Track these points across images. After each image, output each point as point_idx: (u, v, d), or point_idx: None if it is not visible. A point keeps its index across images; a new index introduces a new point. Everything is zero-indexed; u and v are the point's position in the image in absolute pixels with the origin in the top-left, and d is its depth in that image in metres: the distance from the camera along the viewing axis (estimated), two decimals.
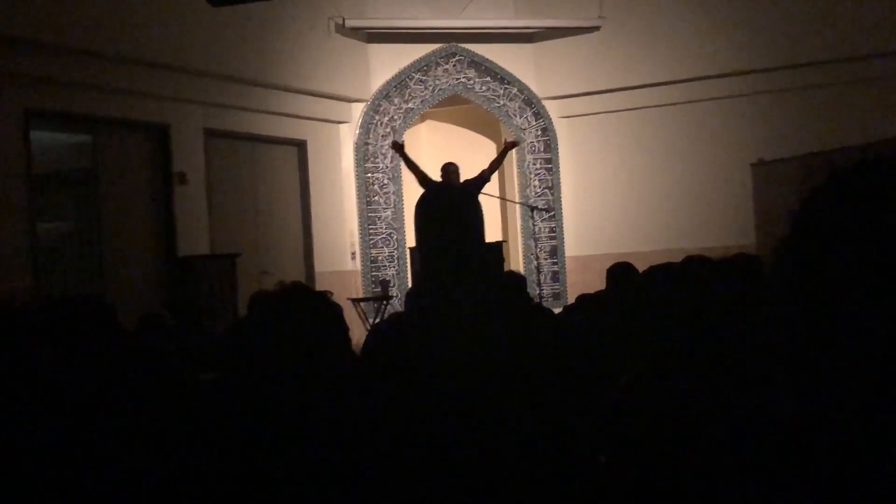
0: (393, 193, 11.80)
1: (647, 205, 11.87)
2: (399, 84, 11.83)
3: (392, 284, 11.34)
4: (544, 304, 9.54)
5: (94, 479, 2.08)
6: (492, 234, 10.67)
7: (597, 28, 11.95)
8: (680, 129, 11.78)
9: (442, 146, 12.64)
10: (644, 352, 2.18)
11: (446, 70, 12.01)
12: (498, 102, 12.18)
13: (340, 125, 11.70)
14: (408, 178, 11.85)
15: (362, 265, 11.63)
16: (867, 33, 10.68)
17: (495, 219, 12.12)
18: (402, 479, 1.89)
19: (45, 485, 2.14)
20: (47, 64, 7.98)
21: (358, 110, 11.74)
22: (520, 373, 3.19)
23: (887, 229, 0.69)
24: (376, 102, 11.75)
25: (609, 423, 2.12)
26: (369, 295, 11.21)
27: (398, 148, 9.17)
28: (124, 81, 8.73)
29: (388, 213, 11.79)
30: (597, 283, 5.84)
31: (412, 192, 10.39)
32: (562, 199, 12.28)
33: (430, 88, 11.97)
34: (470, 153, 12.49)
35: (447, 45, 11.95)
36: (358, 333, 8.63)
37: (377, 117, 11.79)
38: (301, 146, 11.17)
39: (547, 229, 12.17)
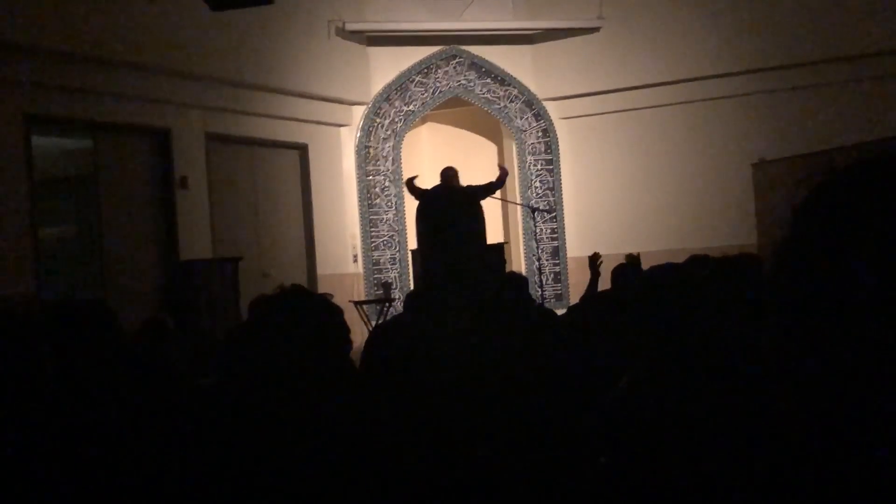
0: (394, 196, 11.80)
1: (648, 205, 11.87)
2: (399, 87, 11.84)
3: (394, 287, 11.34)
4: (546, 304, 9.54)
5: (95, 482, 2.08)
6: (493, 235, 10.66)
7: (596, 29, 11.95)
8: (680, 129, 11.78)
9: (443, 148, 12.65)
10: (644, 352, 2.18)
11: (446, 72, 12.01)
12: (498, 104, 12.18)
13: (341, 128, 11.70)
14: None
15: (364, 268, 11.63)
16: (867, 33, 10.68)
17: (497, 220, 12.12)
18: (403, 480, 1.89)
19: (47, 487, 2.14)
20: (48, 69, 7.99)
21: (359, 113, 11.74)
22: (521, 374, 3.18)
23: (887, 228, 0.69)
24: (377, 105, 11.76)
25: (609, 424, 2.11)
26: (371, 297, 11.21)
27: (409, 185, 9.19)
28: (125, 86, 8.73)
29: (390, 215, 11.79)
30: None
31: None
32: (563, 200, 12.28)
33: (431, 91, 11.98)
34: (471, 155, 12.50)
35: (447, 47, 11.95)
36: (360, 336, 8.63)
37: (378, 120, 11.80)
38: (302, 149, 11.17)
39: (548, 230, 12.17)
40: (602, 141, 12.22)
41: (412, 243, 10.55)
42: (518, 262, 12.03)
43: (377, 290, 11.34)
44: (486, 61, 12.08)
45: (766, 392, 1.68)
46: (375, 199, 11.75)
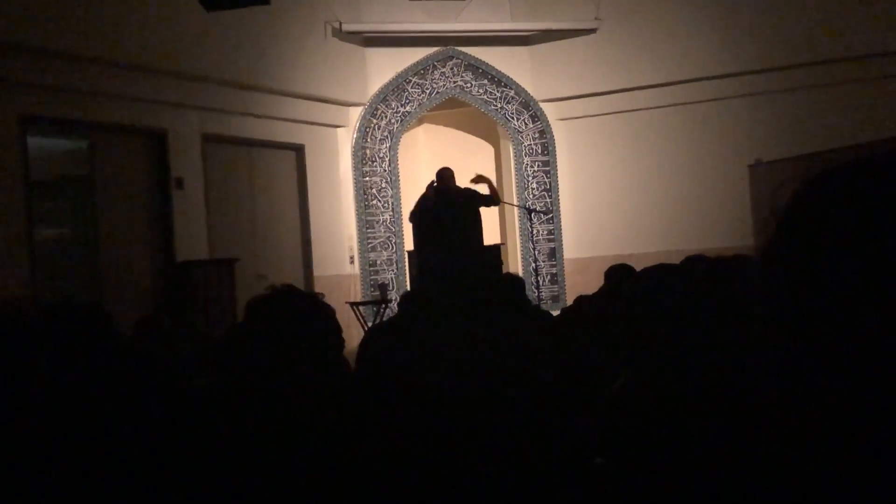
0: (391, 197, 11.80)
1: (644, 206, 11.88)
2: (396, 87, 11.84)
3: (391, 288, 11.34)
4: (543, 306, 9.54)
5: (88, 485, 2.08)
6: (490, 236, 10.67)
7: (593, 30, 11.96)
8: (678, 130, 11.79)
9: (439, 149, 12.65)
10: (640, 353, 2.18)
11: (443, 73, 12.02)
12: (495, 105, 12.19)
13: (338, 129, 11.70)
14: (406, 182, 11.87)
15: (361, 269, 11.63)
16: (866, 33, 10.69)
17: (493, 221, 12.12)
18: (397, 481, 1.89)
19: (41, 488, 2.13)
20: (44, 69, 7.98)
21: (355, 114, 11.74)
22: (516, 375, 3.18)
23: (878, 227, 0.69)
24: (374, 106, 11.76)
25: (605, 425, 2.11)
26: (368, 299, 11.21)
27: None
28: (121, 87, 8.72)
29: (387, 216, 11.79)
30: (595, 285, 5.82)
31: (410, 195, 10.40)
32: (560, 202, 12.29)
33: (428, 92, 11.98)
34: (467, 156, 12.51)
35: (444, 48, 11.96)
36: (356, 337, 8.63)
37: (375, 121, 11.80)
38: (299, 150, 11.17)
39: (545, 231, 12.18)
40: (599, 142, 12.23)
41: (409, 244, 10.55)
42: (515, 263, 12.04)
43: (374, 292, 11.34)
44: (483, 62, 12.09)
45: (760, 393, 1.68)
46: (372, 201, 11.75)
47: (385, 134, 11.82)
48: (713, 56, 11.42)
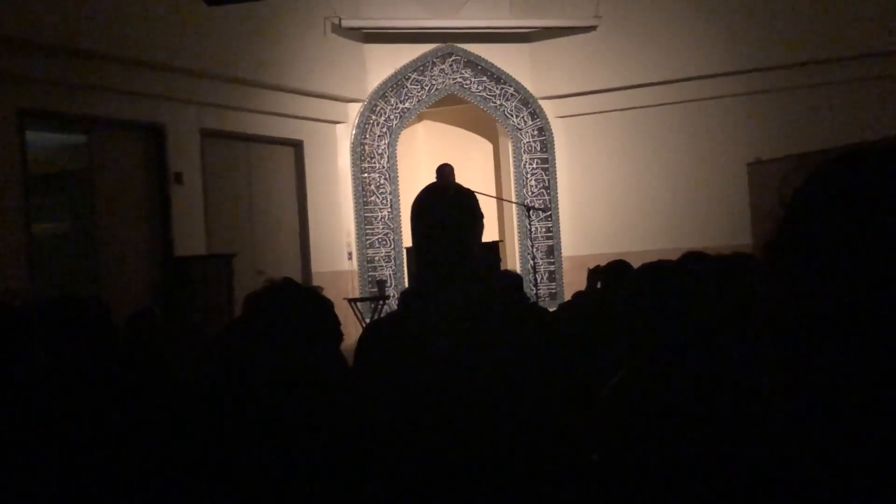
0: (389, 193, 11.80)
1: (643, 204, 11.88)
2: (395, 84, 11.83)
3: (389, 284, 11.34)
4: (540, 303, 9.55)
5: (86, 477, 2.08)
6: (488, 233, 10.66)
7: (593, 28, 11.95)
8: (676, 128, 11.79)
9: (438, 146, 12.65)
10: (636, 350, 2.18)
11: (443, 70, 12.01)
12: (494, 102, 12.18)
13: (337, 125, 11.69)
14: (404, 178, 11.87)
15: (359, 265, 11.62)
16: (865, 33, 10.69)
17: (492, 218, 12.11)
18: (395, 475, 1.89)
19: (40, 482, 2.13)
20: (42, 64, 7.97)
21: (354, 110, 11.74)
22: (513, 372, 3.18)
23: (876, 223, 0.69)
24: (373, 102, 11.75)
25: (601, 422, 2.12)
26: (366, 295, 11.21)
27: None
28: (120, 81, 8.71)
29: (385, 212, 11.79)
30: None
31: (409, 191, 10.40)
32: (558, 199, 12.28)
33: (427, 88, 11.97)
34: (466, 153, 12.51)
35: (443, 45, 11.94)
36: (354, 333, 8.63)
37: (373, 117, 11.79)
38: (297, 146, 11.16)
39: (543, 229, 12.17)
40: (598, 140, 12.22)
41: (407, 241, 10.55)
42: (513, 260, 12.04)
43: (372, 288, 11.34)
44: (483, 59, 12.08)
45: (757, 392, 1.68)
46: (370, 197, 11.75)
47: (384, 130, 11.81)
48: (712, 54, 11.42)
